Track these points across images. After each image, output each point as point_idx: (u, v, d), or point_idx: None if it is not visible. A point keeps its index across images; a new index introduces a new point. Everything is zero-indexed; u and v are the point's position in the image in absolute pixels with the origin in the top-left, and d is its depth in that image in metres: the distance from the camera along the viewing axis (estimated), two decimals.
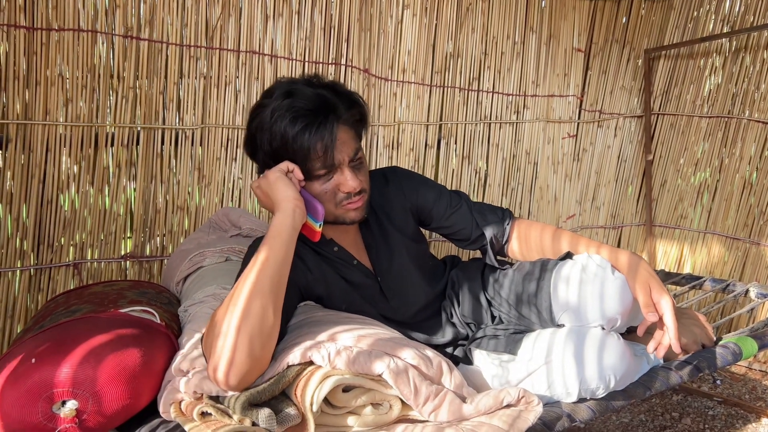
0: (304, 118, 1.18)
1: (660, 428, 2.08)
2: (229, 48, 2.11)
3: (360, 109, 1.28)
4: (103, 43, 1.91)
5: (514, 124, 2.77)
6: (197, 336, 1.17)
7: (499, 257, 1.51)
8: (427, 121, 2.55)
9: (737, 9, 2.67)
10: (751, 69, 2.62)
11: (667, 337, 1.21)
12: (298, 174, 1.20)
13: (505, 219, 1.47)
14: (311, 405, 1.02)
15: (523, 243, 1.46)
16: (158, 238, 2.10)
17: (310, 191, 1.23)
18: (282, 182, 1.17)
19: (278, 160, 1.22)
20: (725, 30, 2.70)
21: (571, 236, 1.41)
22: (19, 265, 1.87)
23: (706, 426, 2.09)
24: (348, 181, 1.23)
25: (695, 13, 2.79)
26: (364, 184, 1.28)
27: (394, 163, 2.49)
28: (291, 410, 1.04)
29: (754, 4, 2.59)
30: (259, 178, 1.24)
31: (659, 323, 1.22)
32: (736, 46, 2.67)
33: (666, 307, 1.21)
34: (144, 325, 1.15)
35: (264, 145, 1.22)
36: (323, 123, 1.19)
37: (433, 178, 2.60)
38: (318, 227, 1.22)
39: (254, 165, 1.44)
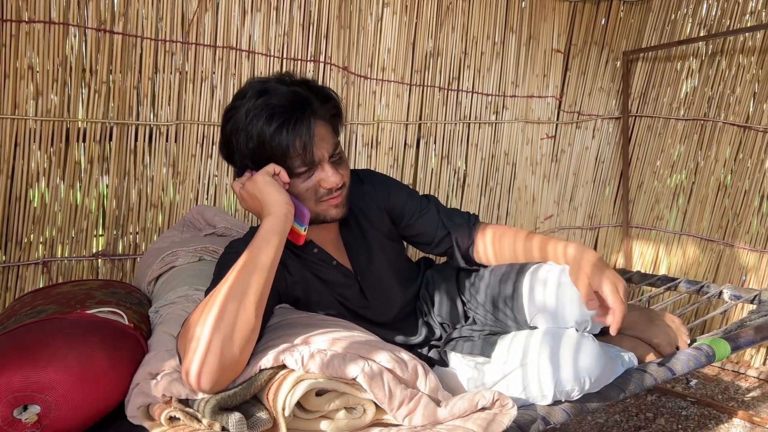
0: (280, 115, 1.16)
1: (634, 428, 2.10)
2: (205, 43, 2.07)
3: (335, 103, 1.27)
4: (75, 36, 1.87)
5: (494, 125, 2.77)
6: (167, 338, 1.14)
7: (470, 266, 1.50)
8: (407, 120, 2.54)
9: (714, 13, 2.69)
10: (727, 73, 2.65)
11: (612, 318, 1.15)
12: (284, 176, 1.18)
13: (471, 222, 1.47)
14: (283, 409, 1.00)
15: (489, 246, 1.44)
16: (131, 236, 2.06)
17: (291, 189, 1.22)
18: (272, 186, 1.15)
19: (257, 161, 1.20)
20: (702, 33, 2.73)
21: (533, 235, 1.40)
22: None
23: (680, 426, 2.11)
24: (330, 177, 1.22)
25: (673, 16, 2.81)
26: (345, 178, 1.27)
27: (373, 162, 2.48)
28: (262, 414, 1.02)
29: (731, 9, 2.62)
30: (240, 179, 1.22)
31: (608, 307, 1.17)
32: (713, 49, 2.70)
33: (606, 290, 1.15)
34: (111, 326, 1.12)
35: (241, 146, 1.20)
36: (300, 119, 1.17)
37: (412, 178, 2.60)
38: (303, 231, 1.20)
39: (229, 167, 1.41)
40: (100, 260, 2.01)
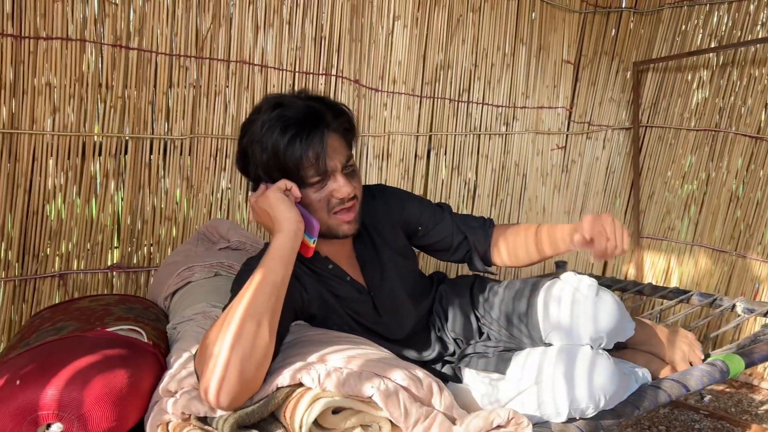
0: (294, 126, 1.19)
1: None
2: (219, 58, 2.09)
3: (348, 117, 1.29)
4: (91, 53, 1.89)
5: (504, 136, 2.78)
6: (185, 355, 1.16)
7: (487, 274, 1.51)
8: (417, 131, 2.55)
9: (725, 24, 2.69)
10: (738, 84, 2.65)
11: (612, 241, 1.20)
12: (296, 192, 1.20)
13: (486, 225, 1.50)
14: (300, 428, 1.01)
15: (503, 246, 1.47)
16: (145, 249, 2.08)
17: (303, 199, 1.23)
18: (283, 203, 1.16)
19: (270, 172, 1.22)
20: (713, 44, 2.73)
21: (541, 227, 1.43)
22: (3, 276, 1.84)
23: None
24: (342, 187, 1.23)
25: (683, 27, 2.81)
26: (357, 191, 1.28)
27: (383, 174, 2.49)
28: None
29: (742, 20, 2.62)
30: (255, 193, 1.24)
31: (602, 244, 1.22)
32: (724, 60, 2.70)
33: (607, 220, 1.22)
34: (131, 344, 1.13)
35: (256, 157, 1.22)
36: (313, 131, 1.19)
37: (422, 189, 2.61)
38: (312, 243, 1.22)
39: (246, 179, 1.43)
40: (114, 273, 2.03)
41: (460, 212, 2.71)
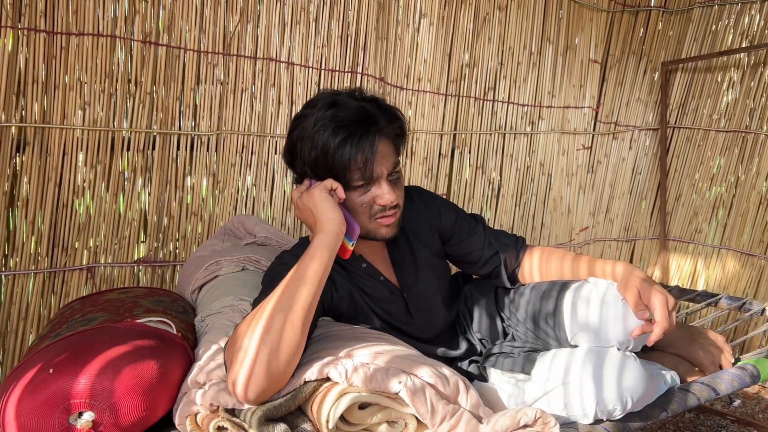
0: (346, 129, 1.18)
1: None
2: (246, 55, 2.11)
3: (400, 123, 1.28)
4: (121, 49, 1.92)
5: (529, 135, 2.76)
6: (214, 348, 1.17)
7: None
8: (442, 130, 2.55)
9: (757, 24, 2.65)
10: None
11: (657, 329, 1.18)
12: (341, 193, 1.20)
13: (518, 243, 1.48)
14: (327, 422, 1.01)
15: (535, 266, 1.45)
16: (171, 244, 2.10)
17: (346, 202, 1.23)
18: (328, 203, 1.17)
19: (317, 170, 1.22)
20: (744, 44, 2.68)
21: (580, 256, 1.41)
22: (33, 268, 1.88)
23: None
24: (385, 194, 1.23)
25: (714, 27, 2.77)
26: (400, 199, 1.28)
27: (407, 172, 2.49)
28: (307, 426, 1.04)
29: None
30: (299, 187, 1.24)
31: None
32: (755, 60, 2.65)
33: (656, 303, 1.19)
34: (161, 336, 1.15)
35: (304, 153, 1.22)
36: (365, 135, 1.19)
37: (446, 188, 2.60)
38: (351, 246, 1.22)
39: (290, 173, 1.44)
40: (141, 267, 2.05)
41: (483, 213, 2.72)
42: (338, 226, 1.15)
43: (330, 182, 1.20)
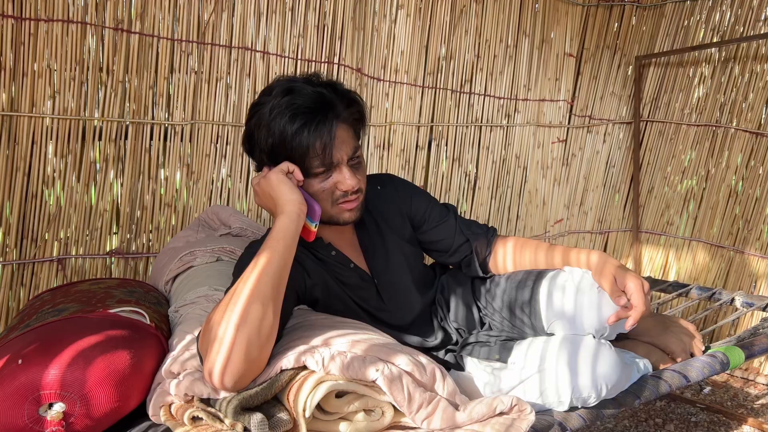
0: (303, 115, 1.17)
1: None
2: (220, 44, 2.08)
3: (359, 107, 1.27)
4: (92, 36, 1.88)
5: (505, 128, 2.78)
6: (188, 338, 1.15)
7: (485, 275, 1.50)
8: (419, 122, 2.55)
9: (727, 19, 2.69)
10: (740, 79, 2.65)
11: (634, 313, 1.20)
12: (298, 175, 1.19)
13: (489, 233, 1.48)
14: (304, 410, 1.01)
15: (509, 255, 1.45)
16: (144, 236, 2.07)
17: (307, 189, 1.22)
18: (285, 184, 1.16)
19: (276, 158, 1.21)
20: (715, 39, 2.73)
21: (554, 246, 1.42)
22: (1, 260, 1.83)
23: None
24: (346, 179, 1.22)
25: (686, 22, 2.81)
26: (362, 183, 1.27)
27: (384, 164, 2.48)
28: (283, 415, 1.03)
29: (744, 15, 2.62)
30: (258, 174, 1.23)
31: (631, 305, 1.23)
32: (726, 56, 2.70)
33: (632, 287, 1.21)
34: (134, 326, 1.13)
35: (261, 141, 1.21)
36: (322, 121, 1.18)
37: (423, 180, 2.60)
38: (314, 227, 1.21)
39: (250, 162, 1.42)
40: (113, 259, 2.01)
41: (460, 205, 2.73)
42: (298, 206, 1.14)
43: (286, 165, 1.18)
